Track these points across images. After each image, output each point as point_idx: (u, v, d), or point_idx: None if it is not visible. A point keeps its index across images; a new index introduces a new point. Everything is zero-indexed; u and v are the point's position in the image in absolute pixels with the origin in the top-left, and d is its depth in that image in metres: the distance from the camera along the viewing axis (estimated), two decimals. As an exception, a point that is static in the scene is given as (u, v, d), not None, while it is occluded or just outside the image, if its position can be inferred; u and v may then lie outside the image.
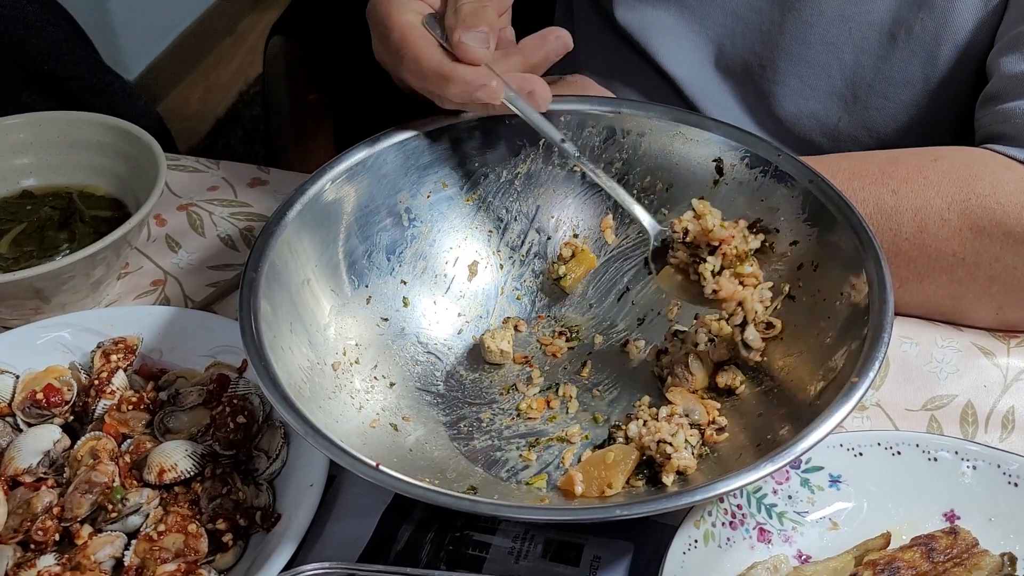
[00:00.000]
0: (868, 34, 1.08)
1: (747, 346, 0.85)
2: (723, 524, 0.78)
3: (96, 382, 0.89)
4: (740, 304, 0.84)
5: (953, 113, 1.10)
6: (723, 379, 0.86)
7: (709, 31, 1.17)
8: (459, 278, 0.96)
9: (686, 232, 0.86)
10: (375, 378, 0.88)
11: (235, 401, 0.86)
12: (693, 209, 0.87)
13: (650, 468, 0.81)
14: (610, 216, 0.97)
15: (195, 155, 1.23)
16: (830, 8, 1.09)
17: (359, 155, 0.91)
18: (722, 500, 0.79)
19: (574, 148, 0.90)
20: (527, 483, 0.82)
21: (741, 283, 0.85)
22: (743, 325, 0.85)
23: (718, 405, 0.84)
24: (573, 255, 0.96)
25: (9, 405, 0.88)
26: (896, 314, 0.92)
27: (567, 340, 0.94)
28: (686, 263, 0.87)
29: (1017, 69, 0.96)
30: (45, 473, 0.84)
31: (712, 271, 0.85)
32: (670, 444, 0.80)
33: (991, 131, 0.98)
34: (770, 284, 0.85)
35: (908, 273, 0.94)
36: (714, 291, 0.85)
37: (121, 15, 2.90)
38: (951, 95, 1.08)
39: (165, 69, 3.08)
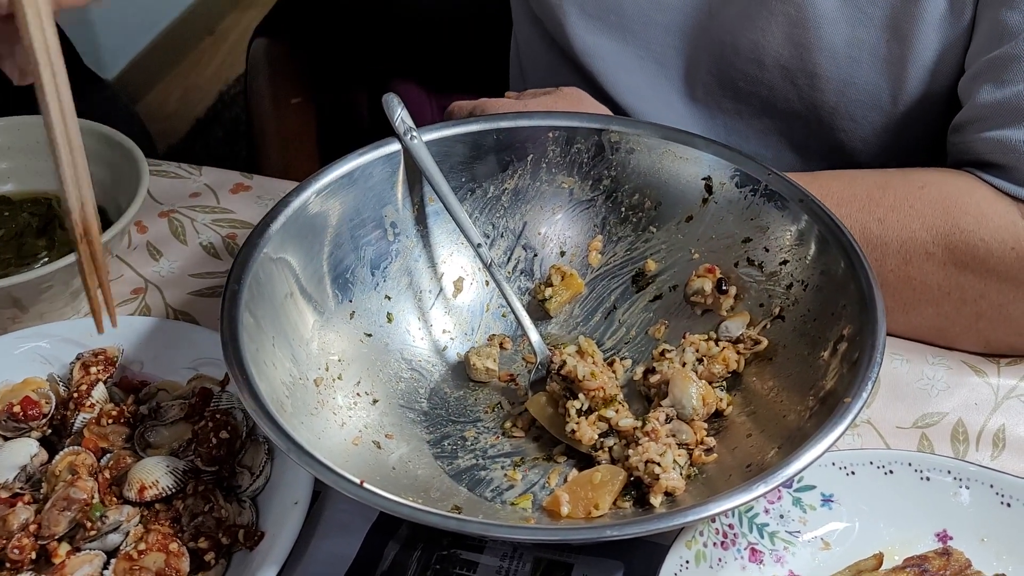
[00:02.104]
0: (821, 60, 1.05)
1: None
2: (714, 544, 0.78)
3: (75, 395, 0.87)
4: (647, 463, 0.80)
5: (924, 132, 1.09)
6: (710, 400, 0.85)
7: (656, 54, 1.15)
8: (444, 294, 0.95)
9: (563, 364, 0.84)
10: (358, 394, 0.87)
11: (218, 416, 0.84)
12: (579, 345, 0.87)
13: (637, 489, 0.80)
14: (598, 238, 0.96)
15: (174, 156, 1.22)
16: (780, 31, 1.05)
17: (345, 167, 0.90)
18: (714, 520, 0.78)
19: (488, 255, 0.91)
20: (512, 503, 0.81)
21: (646, 435, 0.81)
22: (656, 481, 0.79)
23: (706, 426, 0.83)
24: (562, 279, 0.95)
25: (-15, 418, 0.87)
26: None
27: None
28: (558, 395, 0.85)
29: (994, 97, 0.94)
30: (21, 488, 0.82)
31: (579, 409, 0.83)
32: (658, 464, 0.79)
33: (975, 158, 0.96)
34: (683, 453, 0.82)
35: (893, 304, 0.94)
36: (573, 431, 0.83)
37: (100, 13, 2.87)
38: (921, 115, 1.07)
39: (144, 68, 3.06)
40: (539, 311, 0.95)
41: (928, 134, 1.09)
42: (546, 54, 1.24)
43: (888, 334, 0.93)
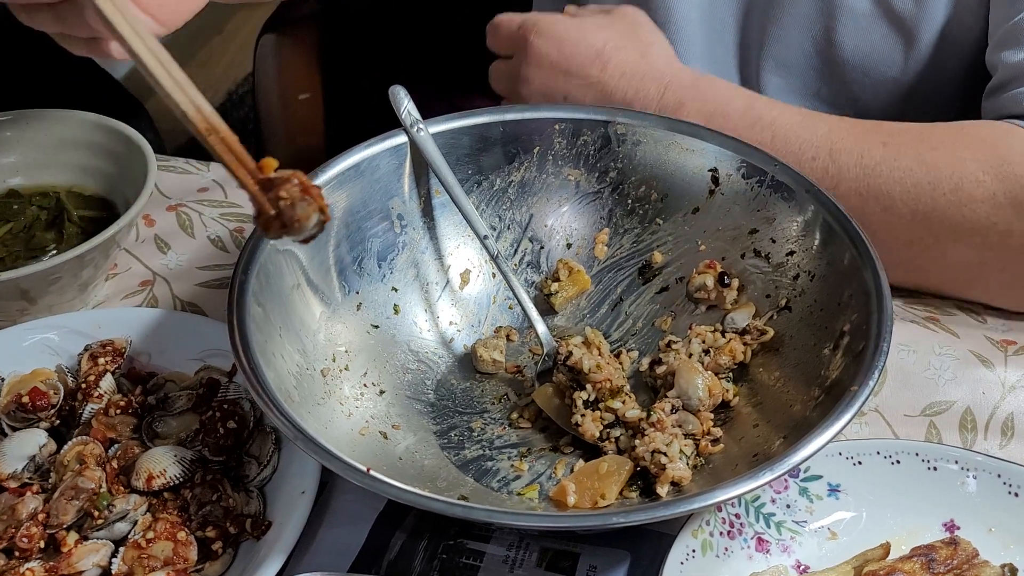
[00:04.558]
0: (841, 14, 1.09)
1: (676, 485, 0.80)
2: (721, 534, 0.78)
3: (83, 385, 0.87)
4: (654, 453, 0.80)
5: (936, 93, 1.11)
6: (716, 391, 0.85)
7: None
8: (451, 286, 0.95)
9: (569, 355, 0.84)
10: (365, 385, 0.87)
11: (225, 406, 0.85)
12: (585, 336, 0.87)
13: (644, 479, 0.80)
14: (605, 230, 0.96)
15: (183, 154, 1.22)
16: None
17: (352, 159, 0.90)
18: (720, 509, 0.78)
19: (495, 247, 0.91)
20: (519, 493, 0.81)
21: (652, 425, 0.81)
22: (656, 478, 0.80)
23: (712, 416, 0.83)
24: (569, 274, 0.95)
25: (-6, 409, 0.87)
26: (908, 293, 0.95)
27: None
28: (565, 385, 0.85)
29: (1018, 58, 0.97)
30: (30, 478, 0.83)
31: (585, 400, 0.83)
32: (665, 454, 0.79)
33: (1010, 114, 0.98)
34: (690, 443, 0.82)
35: (941, 230, 0.93)
36: (577, 424, 0.83)
37: (109, 12, 2.88)
38: (934, 75, 1.10)
39: (153, 67, 3.06)
40: (545, 305, 0.95)
41: (940, 94, 1.12)
42: None
43: (921, 280, 0.96)
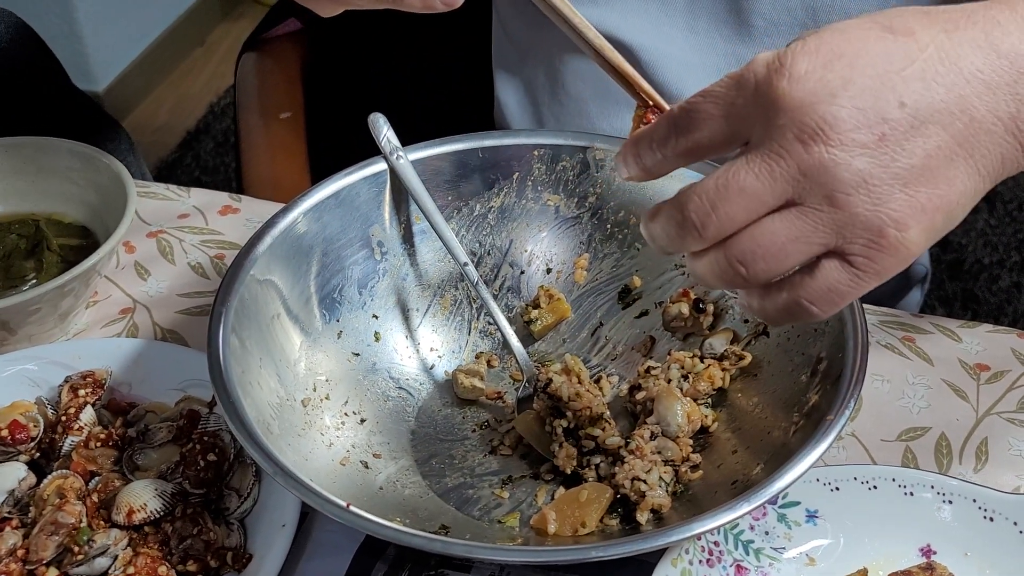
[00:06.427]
0: None
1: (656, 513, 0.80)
2: (700, 562, 0.78)
3: (63, 417, 0.87)
4: (633, 480, 0.80)
5: None
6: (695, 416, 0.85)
7: None
8: (431, 312, 0.95)
9: (548, 382, 0.85)
10: (346, 414, 0.87)
11: (205, 438, 0.84)
12: (565, 363, 0.87)
13: (624, 506, 0.81)
14: (584, 255, 0.96)
15: (165, 168, 1.22)
16: None
17: (331, 188, 0.91)
18: (699, 538, 0.79)
19: (475, 273, 0.91)
20: (500, 521, 0.81)
21: (631, 452, 0.82)
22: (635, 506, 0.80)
23: (691, 442, 0.84)
24: (549, 302, 0.95)
25: (-27, 442, 0.87)
26: (884, 313, 0.95)
27: (540, 375, 0.93)
28: (545, 412, 0.85)
29: None
30: (9, 513, 0.82)
31: (565, 427, 0.84)
32: (644, 482, 0.79)
33: None
34: (669, 470, 0.82)
35: None
36: (554, 454, 0.84)
37: (90, 25, 2.88)
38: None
39: (135, 80, 3.06)
40: (524, 332, 0.95)
41: None
42: (535, 15, 1.20)
43: None
